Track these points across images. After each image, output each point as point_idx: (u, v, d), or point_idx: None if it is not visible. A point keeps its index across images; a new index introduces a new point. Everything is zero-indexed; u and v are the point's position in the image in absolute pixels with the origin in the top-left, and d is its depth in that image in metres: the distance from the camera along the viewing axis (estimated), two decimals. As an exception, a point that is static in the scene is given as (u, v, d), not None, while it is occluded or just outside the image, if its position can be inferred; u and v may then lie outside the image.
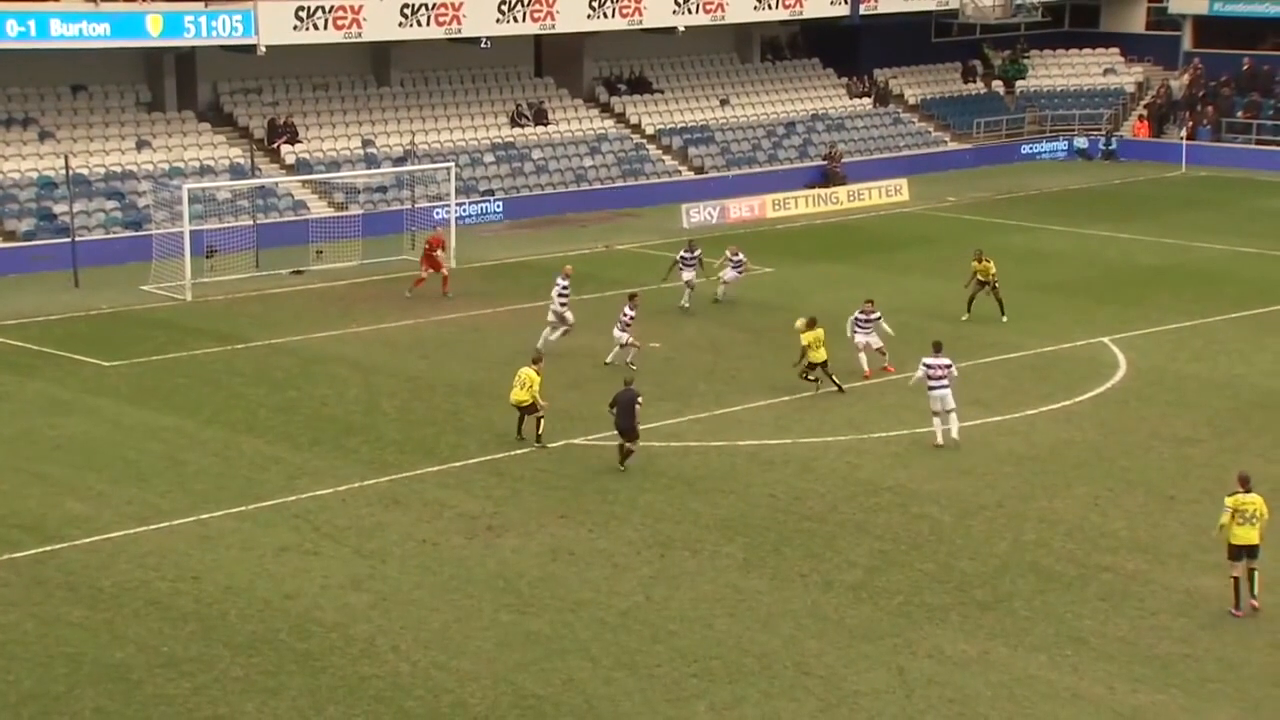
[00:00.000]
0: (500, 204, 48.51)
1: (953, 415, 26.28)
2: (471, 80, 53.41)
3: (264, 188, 44.37)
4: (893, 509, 23.46)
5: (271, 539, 22.06)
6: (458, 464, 25.26)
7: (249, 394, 29.11)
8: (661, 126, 54.89)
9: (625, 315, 31.06)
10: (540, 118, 52.75)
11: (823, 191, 51.75)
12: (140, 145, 45.02)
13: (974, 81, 63.36)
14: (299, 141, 47.66)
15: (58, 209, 41.32)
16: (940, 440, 26.11)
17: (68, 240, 39.35)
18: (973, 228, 46.95)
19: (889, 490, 24.21)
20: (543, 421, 26.00)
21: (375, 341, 33.53)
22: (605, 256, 43.10)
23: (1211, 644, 19.08)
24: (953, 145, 59.55)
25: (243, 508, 23.18)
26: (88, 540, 21.86)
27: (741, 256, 37.06)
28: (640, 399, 24.99)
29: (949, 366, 26.31)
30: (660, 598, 20.32)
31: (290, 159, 47.04)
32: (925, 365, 26.38)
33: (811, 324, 28.57)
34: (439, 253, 37.90)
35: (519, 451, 25.91)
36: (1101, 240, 45.12)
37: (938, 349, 26.56)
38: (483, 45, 48.87)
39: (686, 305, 35.85)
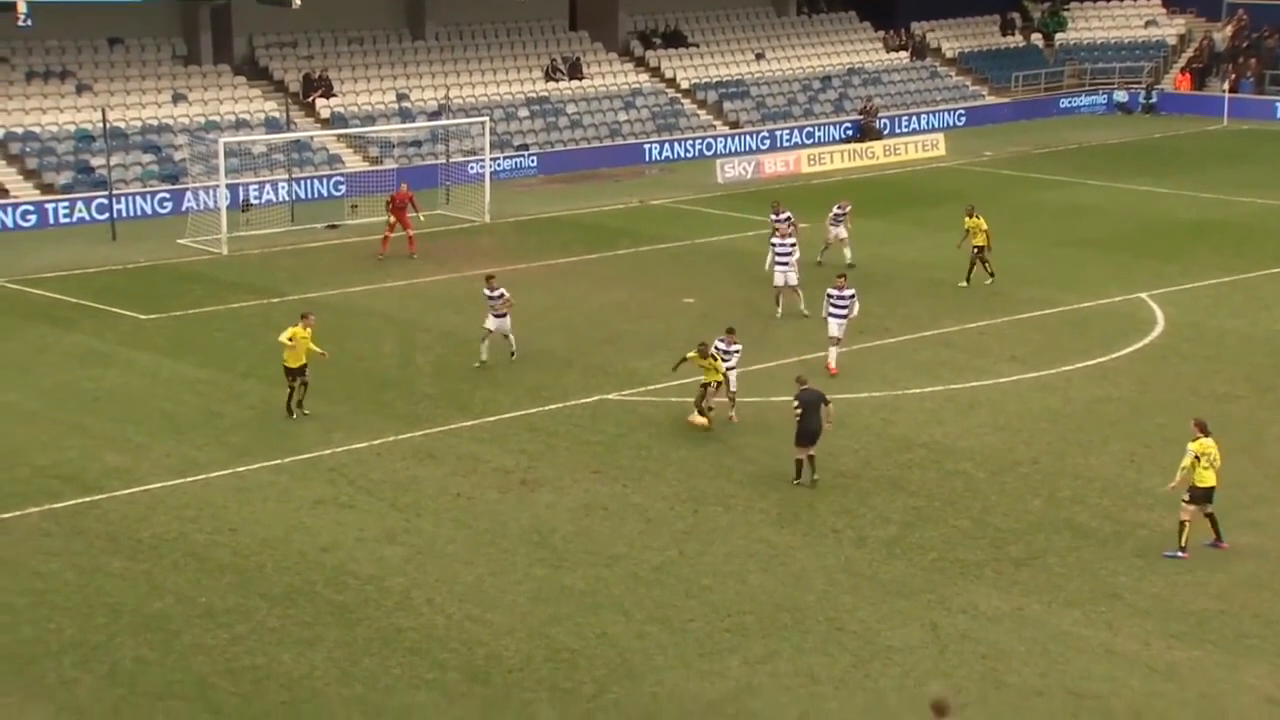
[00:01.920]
0: (535, 158, 48.41)
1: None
2: (506, 34, 53.19)
3: (299, 142, 44.39)
4: (927, 465, 23.38)
5: (307, 492, 22.18)
6: (491, 419, 25.31)
7: (283, 346, 29.16)
8: (696, 81, 54.56)
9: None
10: (575, 72, 52.50)
11: (858, 146, 51.37)
12: (176, 98, 45.09)
13: (1013, 34, 62.66)
14: (334, 95, 47.63)
15: (95, 162, 41.49)
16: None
17: (105, 193, 39.53)
18: (1010, 182, 46.55)
19: (923, 446, 24.12)
20: (306, 387, 24.80)
21: (410, 296, 33.56)
22: (639, 211, 42.97)
23: (1248, 600, 18.97)
24: (990, 99, 58.97)
25: (279, 461, 23.32)
26: (127, 492, 22.04)
27: (844, 210, 34.57)
28: (828, 399, 22.44)
29: (852, 298, 26.80)
30: (693, 552, 20.34)
31: (325, 113, 47.03)
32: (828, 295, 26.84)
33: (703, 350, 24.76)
34: (409, 210, 36.16)
35: (553, 406, 25.93)
36: (1140, 195, 44.65)
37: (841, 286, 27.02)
38: (518, -2, 48.71)
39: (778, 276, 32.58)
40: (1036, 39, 62.56)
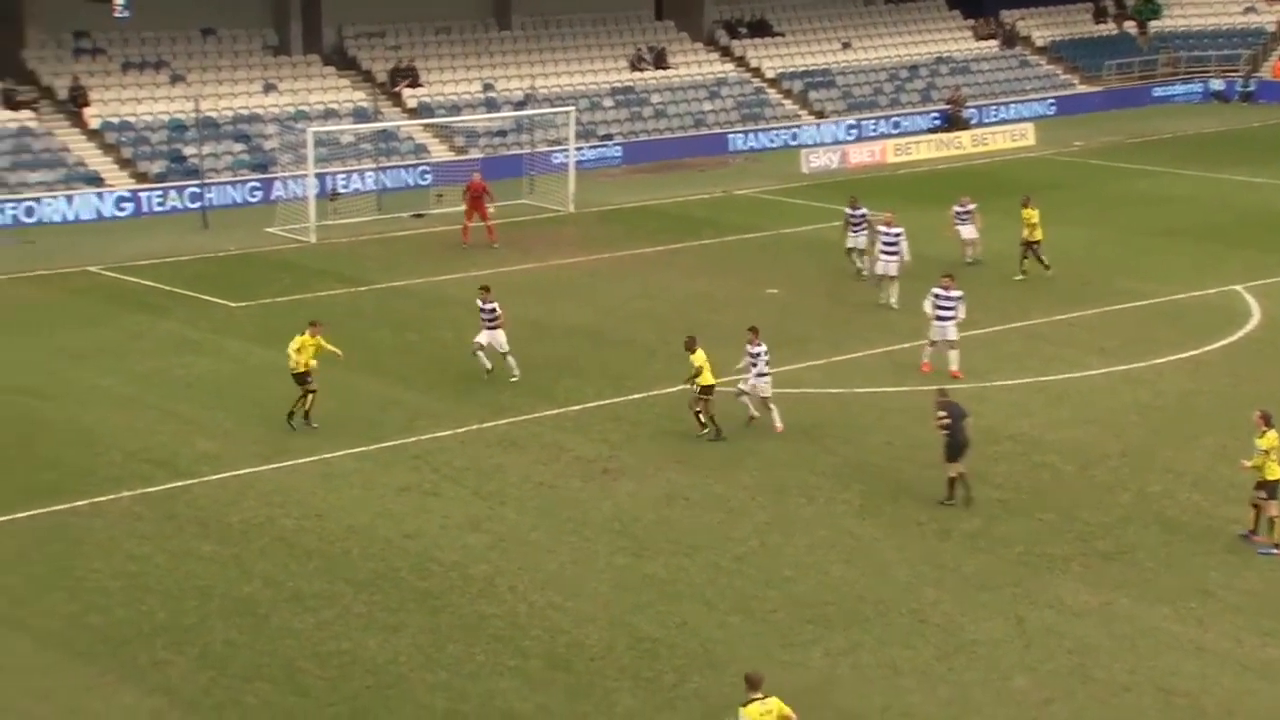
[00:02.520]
0: (619, 148, 48.46)
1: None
2: (592, 24, 53.27)
3: (386, 131, 44.79)
4: (1013, 458, 23.13)
5: (392, 479, 22.41)
6: (575, 408, 25.40)
7: (370, 336, 29.52)
8: (782, 70, 54.31)
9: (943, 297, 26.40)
10: (660, 61, 52.48)
11: (945, 136, 50.85)
12: (267, 88, 45.69)
13: (1106, 22, 61.69)
14: (420, 85, 48.01)
15: (188, 151, 42.17)
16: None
17: (197, 182, 40.15)
18: (1100, 173, 45.87)
19: (1010, 439, 23.86)
20: (312, 397, 23.66)
21: (494, 286, 33.67)
22: (723, 201, 42.88)
23: (1344, 601, 18.58)
24: (1082, 88, 58.12)
25: (364, 448, 23.57)
26: (217, 477, 22.40)
27: (971, 206, 33.89)
28: (967, 414, 21.38)
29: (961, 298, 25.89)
30: (775, 543, 20.29)
31: (412, 103, 47.42)
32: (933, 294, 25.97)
33: (692, 345, 24.01)
34: (485, 200, 36.07)
35: (637, 396, 25.96)
36: (1236, 185, 43.78)
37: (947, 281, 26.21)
38: (604, -12, 48.76)
39: (865, 272, 32.38)
40: (1130, 27, 61.52)
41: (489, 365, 26.35)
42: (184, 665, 17.16)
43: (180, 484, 22.11)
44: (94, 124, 42.63)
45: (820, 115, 53.05)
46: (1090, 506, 21.42)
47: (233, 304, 31.82)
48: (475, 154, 45.31)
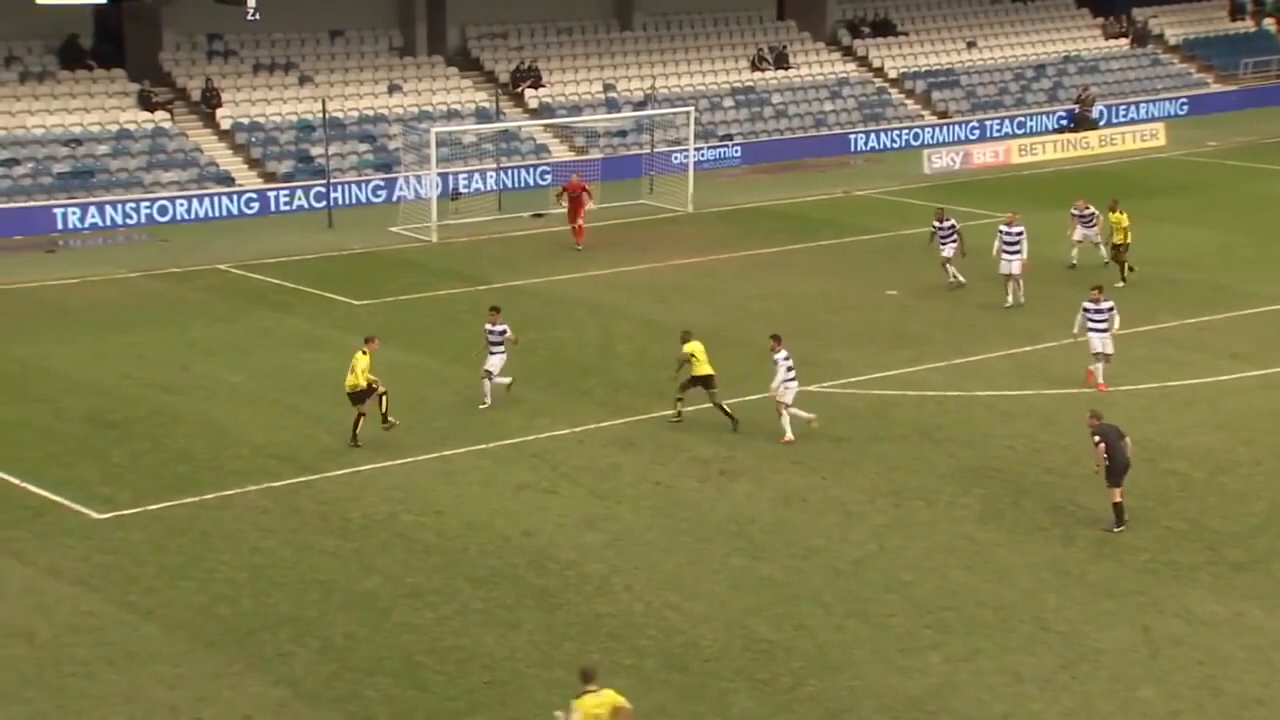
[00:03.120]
0: (739, 149, 48.34)
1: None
2: (713, 24, 53.19)
3: (507, 131, 45.16)
4: (1140, 464, 22.60)
5: (510, 477, 22.59)
6: (691, 408, 25.36)
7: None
8: (905, 70, 53.75)
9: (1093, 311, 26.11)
10: (781, 62, 52.24)
11: (1073, 136, 49.93)
12: (392, 89, 46.33)
13: (1242, 19, 60.07)
14: (542, 86, 48.32)
15: (314, 151, 42.88)
16: None
17: (323, 182, 40.82)
18: (1235, 173, 44.70)
19: (1136, 444, 23.33)
20: (385, 398, 23.37)
21: (612, 285, 33.88)
22: (844, 202, 42.57)
23: None
24: (1216, 87, 56.66)
25: (483, 445, 23.79)
26: (339, 472, 22.76)
27: (1092, 210, 33.40)
28: (1125, 435, 20.71)
29: (1111, 310, 25.39)
30: (894, 547, 20.09)
31: (533, 103, 47.76)
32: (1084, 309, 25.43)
33: (687, 337, 24.69)
34: (585, 197, 35.82)
35: (753, 397, 25.86)
36: (1377, 187, 42.40)
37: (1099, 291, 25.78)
38: (725, -12, 48.65)
39: (957, 280, 32.23)
40: (1269, 23, 59.81)
41: (489, 400, 25.18)
42: (307, 657, 17.46)
43: (304, 479, 22.50)
44: (225, 124, 43.55)
45: (943, 115, 52.37)
46: (1220, 515, 20.87)
47: (355, 302, 32.32)
48: (595, 154, 45.45)
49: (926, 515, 21.11)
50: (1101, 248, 33.47)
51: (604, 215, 40.73)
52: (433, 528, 20.86)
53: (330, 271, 35.21)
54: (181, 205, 40.39)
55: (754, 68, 51.81)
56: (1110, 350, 25.98)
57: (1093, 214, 33.60)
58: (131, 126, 42.06)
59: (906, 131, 50.77)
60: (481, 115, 46.02)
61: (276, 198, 41.65)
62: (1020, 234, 30.65)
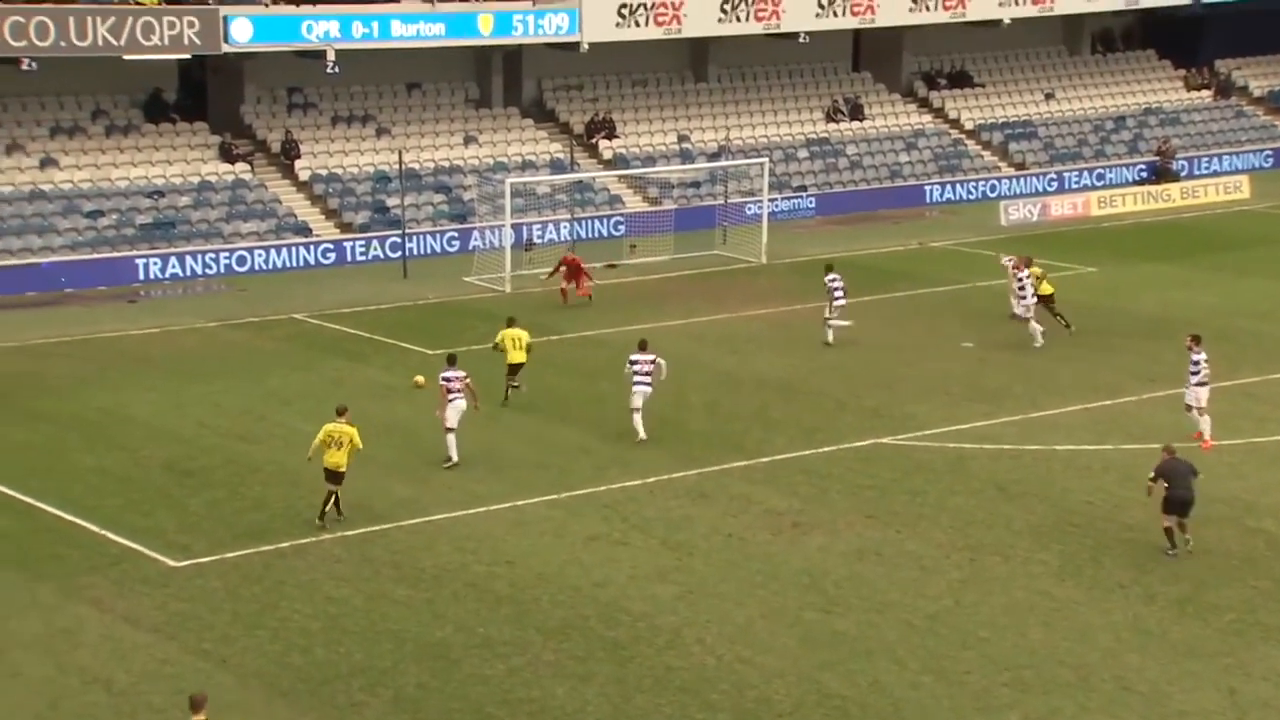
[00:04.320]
0: (813, 200, 48.38)
1: None
2: (788, 75, 53.39)
3: (581, 182, 45.52)
4: (1225, 522, 22.26)
5: (582, 527, 22.63)
6: (765, 459, 25.33)
7: (562, 385, 29.94)
8: (981, 121, 53.61)
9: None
10: (856, 113, 52.32)
11: (1153, 189, 49.49)
12: (468, 140, 46.91)
13: (1326, 70, 59.39)
14: (616, 136, 48.70)
15: (390, 202, 43.47)
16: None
17: (399, 232, 41.34)
18: (1319, 225, 44.06)
19: (1221, 501, 22.98)
20: (336, 496, 22.23)
21: (685, 335, 33.94)
22: (919, 253, 42.45)
23: None
24: (1303, 139, 56.00)
25: (555, 496, 23.87)
26: (411, 522, 22.92)
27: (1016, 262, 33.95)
28: (1197, 472, 20.98)
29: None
30: (970, 603, 19.89)
31: (607, 154, 48.14)
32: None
33: (511, 322, 28.42)
34: (583, 280, 35.88)
35: (827, 449, 25.77)
36: None
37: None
38: (801, 40, 48.78)
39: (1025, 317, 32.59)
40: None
41: (455, 457, 24.78)
42: (379, 707, 17.54)
43: (377, 528, 22.67)
44: (303, 176, 44.25)
45: (1020, 167, 52.14)
46: (1307, 575, 20.47)
47: (429, 351, 32.60)
48: (669, 205, 45.66)
49: (1003, 571, 20.89)
50: (1017, 304, 33.06)
51: (677, 266, 40.88)
52: (504, 578, 20.93)
53: (404, 321, 35.58)
54: (260, 255, 41.00)
55: (829, 119, 51.90)
56: (1203, 404, 25.58)
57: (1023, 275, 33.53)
58: (212, 178, 42.85)
59: (983, 183, 50.59)
60: (556, 166, 46.43)
61: (353, 248, 42.19)
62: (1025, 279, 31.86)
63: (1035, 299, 32.19)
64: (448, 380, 25.24)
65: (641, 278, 39.64)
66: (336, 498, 22.51)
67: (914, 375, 30.47)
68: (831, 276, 32.80)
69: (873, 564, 21.18)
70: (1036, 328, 31.84)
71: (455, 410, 25.11)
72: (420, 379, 27.13)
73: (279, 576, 20.98)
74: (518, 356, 28.03)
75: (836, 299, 32.53)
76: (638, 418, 26.10)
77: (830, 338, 32.53)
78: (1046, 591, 20.19)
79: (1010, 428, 26.93)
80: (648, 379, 26.14)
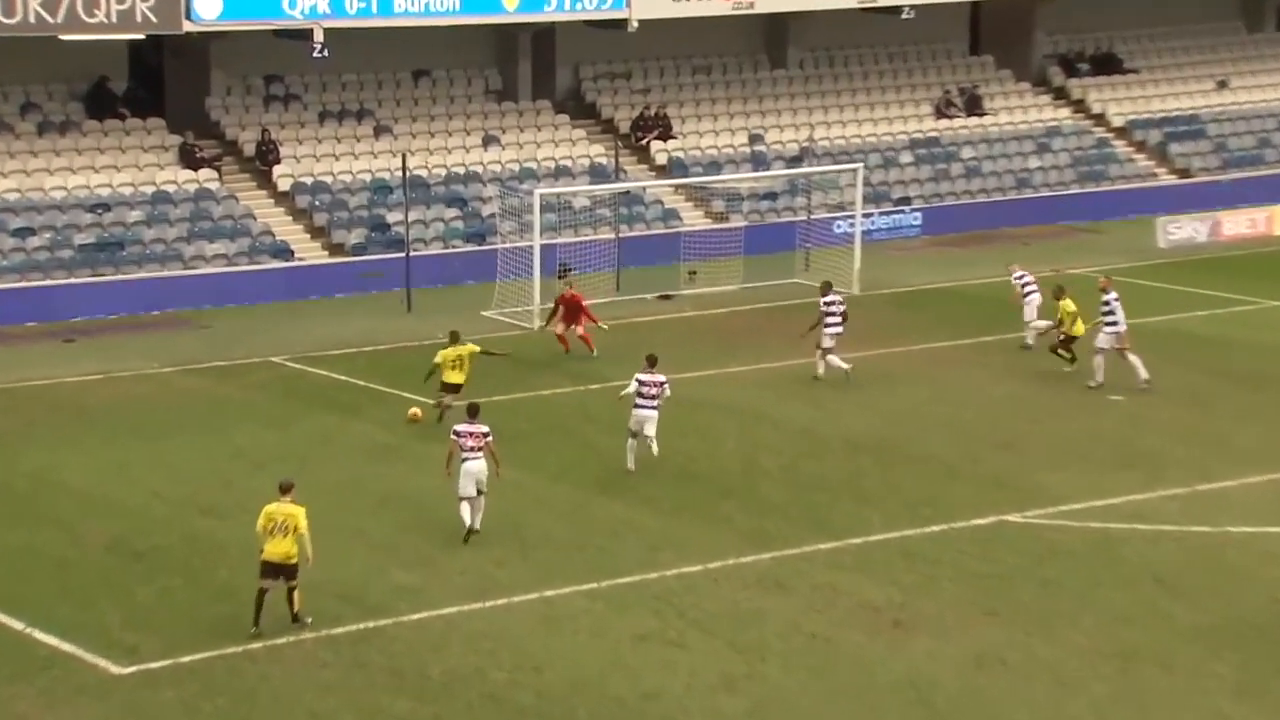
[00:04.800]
0: (919, 215, 48.42)
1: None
2: (889, 60, 53.59)
3: (629, 193, 45.72)
4: None
5: (628, 624, 22.60)
6: (857, 540, 25.26)
7: (604, 445, 29.96)
8: (1134, 117, 53.55)
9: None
10: (974, 106, 52.38)
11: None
12: (487, 141, 47.27)
13: None
14: (672, 137, 48.96)
15: (391, 218, 43.76)
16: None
17: (402, 255, 41.55)
18: None
19: None
20: (298, 593, 22.07)
21: (756, 383, 33.93)
22: (1052, 282, 42.27)
23: None
24: None
25: (594, 584, 23.86)
26: (415, 617, 22.93)
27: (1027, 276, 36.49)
28: None
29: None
30: (1119, 725, 19.73)
31: (661, 158, 48.39)
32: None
33: (454, 338, 31.25)
34: (583, 321, 35.86)
35: (936, 528, 25.66)
36: None
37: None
38: (904, 15, 48.93)
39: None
40: None
41: (470, 522, 25.16)
42: (369, 847, 17.52)
43: (372, 624, 22.70)
44: (283, 185, 44.67)
45: (1184, 174, 51.98)
46: None
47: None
48: (738, 221, 45.78)
49: (1164, 684, 20.74)
50: (1029, 330, 35.85)
51: (748, 298, 40.92)
52: (530, 687, 20.93)
53: (408, 365, 35.67)
54: (228, 284, 41.35)
55: (939, 114, 51.98)
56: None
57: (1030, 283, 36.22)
58: (170, 188, 43.29)
59: (1135, 194, 50.47)
60: (597, 173, 46.70)
61: (344, 274, 42.47)
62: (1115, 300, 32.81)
63: (1116, 329, 33.09)
64: (459, 436, 25.38)
65: (702, 312, 39.68)
66: (291, 596, 22.14)
67: (1046, 434, 30.28)
68: (829, 298, 33.90)
69: (996, 674, 21.05)
70: (1100, 363, 32.87)
71: (470, 477, 25.21)
72: (416, 411, 28.81)
73: (249, 685, 21.04)
74: (455, 377, 30.68)
75: (830, 325, 33.49)
76: (633, 444, 28.24)
77: (821, 370, 33.48)
78: (1221, 712, 20.04)
79: (1171, 503, 26.77)
80: (654, 402, 28.18)
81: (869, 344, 36.59)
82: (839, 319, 33.64)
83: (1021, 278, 36.79)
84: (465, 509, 25.29)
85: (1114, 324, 33.12)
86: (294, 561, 22.06)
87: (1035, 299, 36.17)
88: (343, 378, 34.95)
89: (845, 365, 33.46)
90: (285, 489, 22.47)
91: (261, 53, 45.08)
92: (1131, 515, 26.14)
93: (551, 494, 27.67)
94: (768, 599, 23.35)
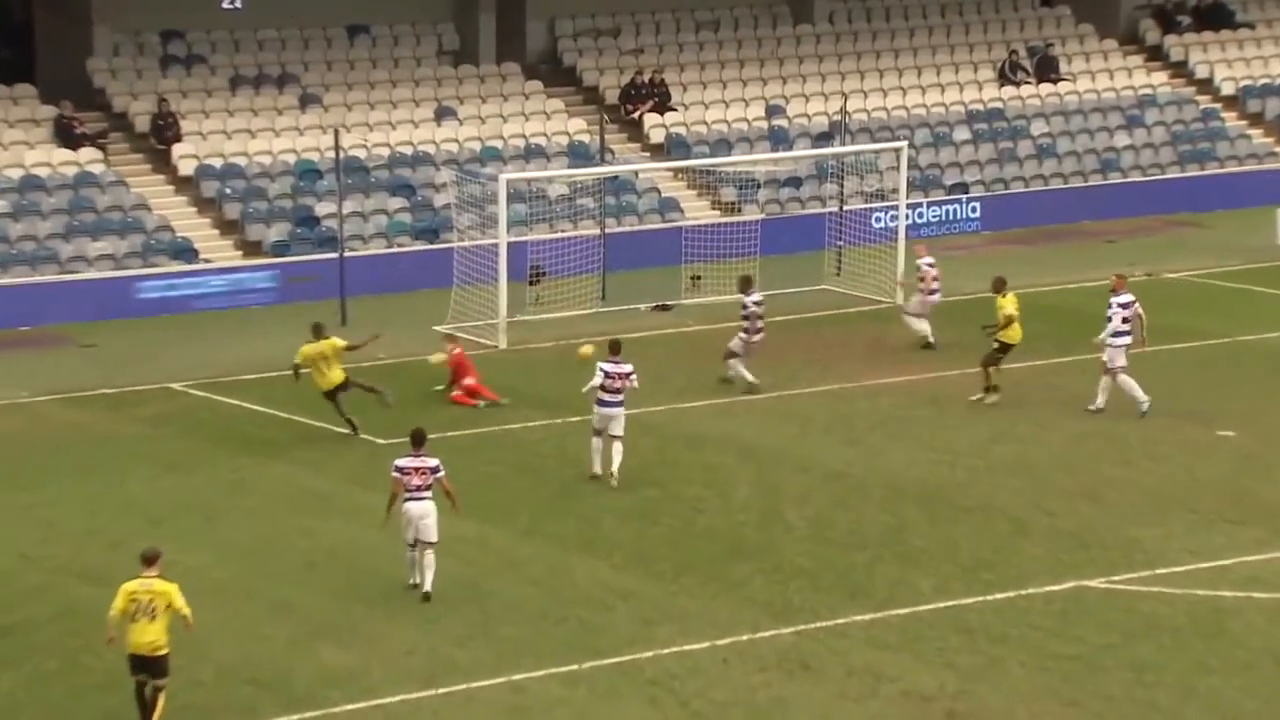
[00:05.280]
0: (977, 206, 48.59)
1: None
2: (939, 14, 53.79)
3: (618, 179, 45.82)
4: None
5: (616, 715, 22.66)
6: (901, 611, 25.33)
7: (585, 492, 30.04)
8: (1248, 83, 53.81)
9: None
10: (1046, 69, 52.58)
11: None
12: (441, 115, 47.33)
13: None
14: (671, 109, 49.05)
15: (321, 209, 43.78)
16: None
17: (334, 255, 41.59)
18: None
19: None
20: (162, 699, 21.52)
21: (778, 417, 33.99)
22: (1145, 288, 42.40)
23: None
24: None
25: (574, 666, 23.89)
26: (350, 707, 22.93)
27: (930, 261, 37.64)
28: None
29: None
30: (1229, 842, 19.84)
31: (657, 135, 48.48)
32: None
33: (318, 331, 32.65)
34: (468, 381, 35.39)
35: (1000, 596, 25.73)
36: None
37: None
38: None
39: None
40: None
41: (417, 580, 25.69)
42: None
43: (297, 717, 22.76)
44: (185, 169, 44.70)
45: (1307, 154, 52.27)
46: None
47: (380, 440, 32.80)
48: (752, 214, 45.84)
49: (1284, 791, 20.84)
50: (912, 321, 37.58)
51: (765, 309, 40.92)
52: (494, 795, 21.00)
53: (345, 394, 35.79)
54: (117, 291, 41.38)
55: (1004, 80, 52.17)
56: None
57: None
58: (43, 172, 43.36)
59: (1251, 178, 50.65)
60: (577, 154, 46.80)
61: (262, 280, 42.50)
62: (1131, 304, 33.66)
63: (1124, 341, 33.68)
64: (402, 473, 25.49)
65: (708, 326, 39.74)
66: (155, 700, 21.37)
67: (1137, 481, 30.38)
68: (753, 298, 35.09)
69: (1074, 778, 21.16)
70: (1128, 382, 33.38)
71: (415, 520, 25.36)
72: (588, 348, 31.61)
73: (142, 793, 21.06)
74: (337, 377, 32.48)
75: (750, 332, 34.83)
76: (598, 443, 30.00)
77: (747, 377, 35.05)
78: (1350, 823, 20.12)
79: (1294, 565, 26.88)
80: (619, 397, 29.95)
81: (915, 367, 36.68)
82: (759, 322, 34.95)
83: (932, 265, 37.71)
84: (412, 559, 25.43)
85: (1124, 335, 33.62)
86: (162, 653, 21.43)
87: (938, 299, 37.65)
88: (259, 408, 34.97)
89: (752, 378, 34.76)
90: (149, 560, 21.71)
91: (157, 4, 45.11)
92: (1247, 581, 26.20)
93: (522, 553, 27.71)
94: (791, 685, 23.40)
